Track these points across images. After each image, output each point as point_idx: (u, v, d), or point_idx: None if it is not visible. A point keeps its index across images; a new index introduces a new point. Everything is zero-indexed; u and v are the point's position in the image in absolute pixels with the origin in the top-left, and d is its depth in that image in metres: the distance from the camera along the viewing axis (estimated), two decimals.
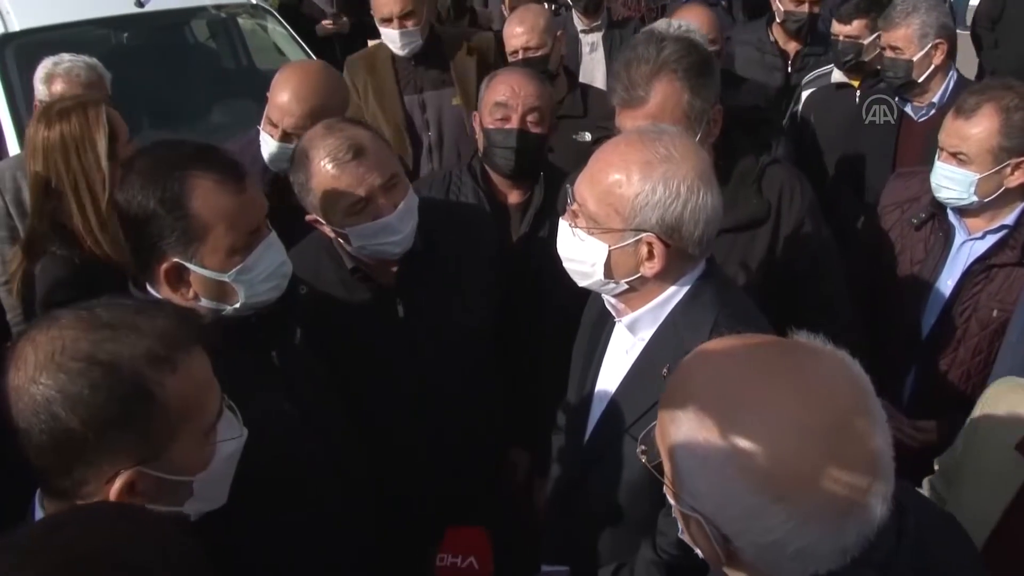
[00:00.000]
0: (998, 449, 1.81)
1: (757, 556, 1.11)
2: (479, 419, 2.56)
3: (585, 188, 1.83)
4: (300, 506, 2.00)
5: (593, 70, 4.83)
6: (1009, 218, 2.63)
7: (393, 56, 4.05)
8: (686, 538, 1.25)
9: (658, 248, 1.76)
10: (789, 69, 4.50)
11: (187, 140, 1.98)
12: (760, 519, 1.06)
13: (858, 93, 3.87)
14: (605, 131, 3.07)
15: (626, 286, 1.85)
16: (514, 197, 2.95)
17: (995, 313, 2.62)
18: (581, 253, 1.85)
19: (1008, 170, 2.54)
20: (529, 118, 2.84)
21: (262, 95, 3.08)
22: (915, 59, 3.41)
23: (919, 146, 3.44)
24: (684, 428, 1.12)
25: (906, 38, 3.41)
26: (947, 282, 2.73)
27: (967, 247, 2.71)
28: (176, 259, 1.81)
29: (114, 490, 1.31)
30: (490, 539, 2.28)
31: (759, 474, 1.05)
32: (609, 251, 1.80)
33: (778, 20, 4.50)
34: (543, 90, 2.93)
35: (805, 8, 4.36)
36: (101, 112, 2.78)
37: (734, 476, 1.07)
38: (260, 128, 3.05)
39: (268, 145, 3.00)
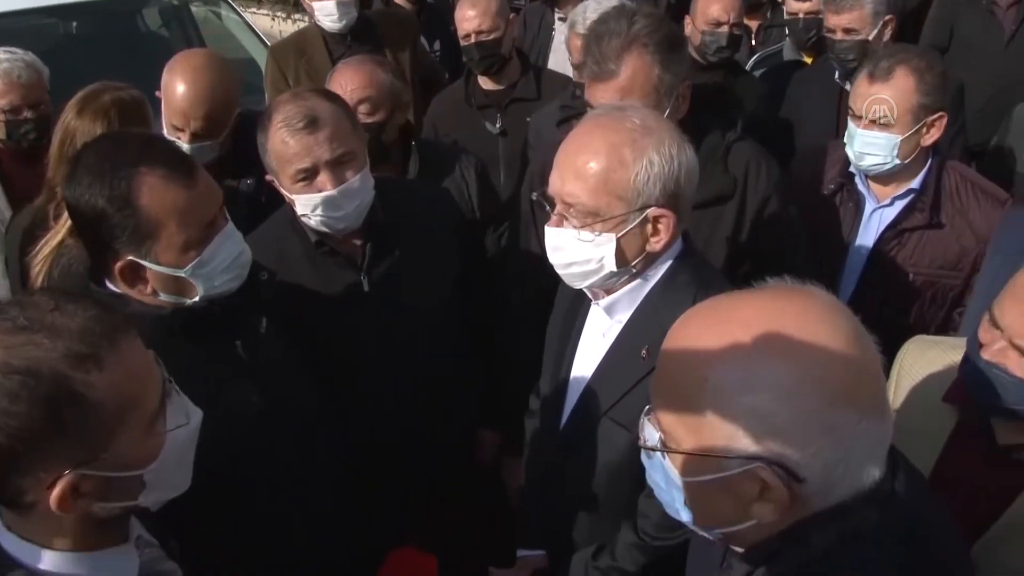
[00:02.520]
0: (924, 404, 1.82)
1: (822, 480, 1.07)
2: (447, 396, 2.51)
3: (573, 185, 1.70)
4: (270, 497, 1.94)
5: (566, 60, 4.71)
6: (915, 182, 2.62)
7: (324, 38, 3.98)
8: (706, 520, 1.18)
9: (665, 219, 1.70)
10: (753, 43, 4.45)
11: (133, 132, 1.88)
12: (833, 430, 1.04)
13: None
14: (571, 111, 3.01)
15: (634, 270, 1.77)
16: None
17: (911, 276, 2.62)
18: (585, 253, 1.73)
19: (924, 129, 2.53)
20: (360, 110, 2.74)
21: None
22: (870, 38, 3.35)
23: None
24: (731, 376, 1.06)
25: (861, 19, 3.33)
26: (861, 251, 2.71)
27: (878, 214, 2.69)
28: (131, 257, 1.73)
29: (54, 497, 1.21)
30: (437, 567, 2.24)
31: (822, 384, 1.04)
32: (617, 240, 1.70)
33: None
34: (372, 78, 2.81)
35: None
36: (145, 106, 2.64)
37: (809, 392, 1.04)
38: (164, 128, 2.87)
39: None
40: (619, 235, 1.70)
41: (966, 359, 1.70)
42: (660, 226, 1.70)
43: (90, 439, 1.23)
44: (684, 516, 1.21)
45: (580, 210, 1.71)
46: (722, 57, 3.62)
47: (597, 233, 1.70)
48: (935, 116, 2.53)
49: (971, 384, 1.68)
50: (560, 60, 4.28)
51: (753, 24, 4.49)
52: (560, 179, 1.73)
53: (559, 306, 2.12)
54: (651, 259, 1.77)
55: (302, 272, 2.33)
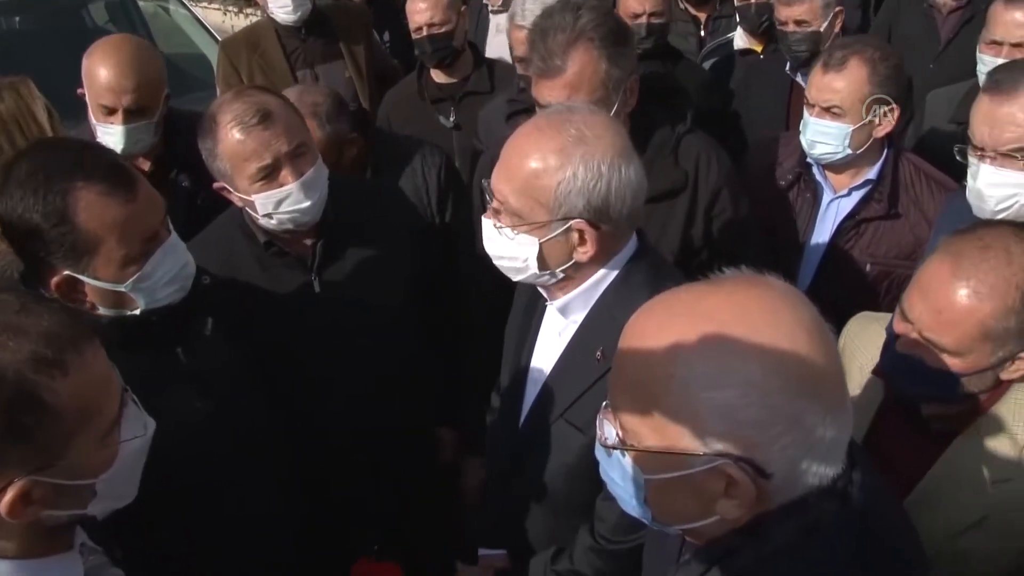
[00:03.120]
0: (861, 377, 1.86)
1: (787, 476, 1.06)
2: (402, 396, 2.47)
3: (503, 184, 1.69)
4: (217, 504, 1.90)
5: (500, 51, 4.68)
6: (872, 172, 2.62)
7: (277, 31, 3.91)
8: (670, 518, 1.16)
9: (589, 233, 1.65)
10: (702, 33, 4.43)
11: (68, 140, 1.80)
12: (804, 422, 1.03)
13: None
14: (518, 104, 2.98)
15: (562, 275, 1.74)
16: None
17: (868, 267, 2.62)
18: (511, 251, 1.72)
19: (877, 120, 2.54)
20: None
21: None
22: (822, 29, 3.36)
23: None
24: (695, 372, 1.04)
25: (812, 11, 3.34)
26: (819, 241, 2.72)
27: (835, 205, 2.70)
28: (67, 272, 1.67)
29: (6, 503, 1.19)
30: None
31: (787, 378, 1.02)
32: (540, 245, 1.68)
33: None
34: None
35: None
36: (31, 86, 2.50)
37: (770, 390, 1.02)
38: (93, 123, 2.77)
39: (113, 134, 2.72)
40: (541, 240, 1.67)
41: (885, 347, 1.74)
42: (586, 237, 1.67)
43: (47, 446, 1.21)
44: (641, 513, 1.19)
45: (508, 209, 1.70)
46: (644, 48, 3.55)
47: (517, 233, 1.69)
48: (887, 107, 2.53)
49: (889, 373, 1.73)
50: (495, 51, 4.24)
51: (702, 15, 4.48)
52: (496, 175, 1.72)
53: (518, 303, 2.10)
54: (581, 267, 1.73)
55: (251, 274, 2.28)
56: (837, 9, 3.37)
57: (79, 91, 2.73)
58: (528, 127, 1.71)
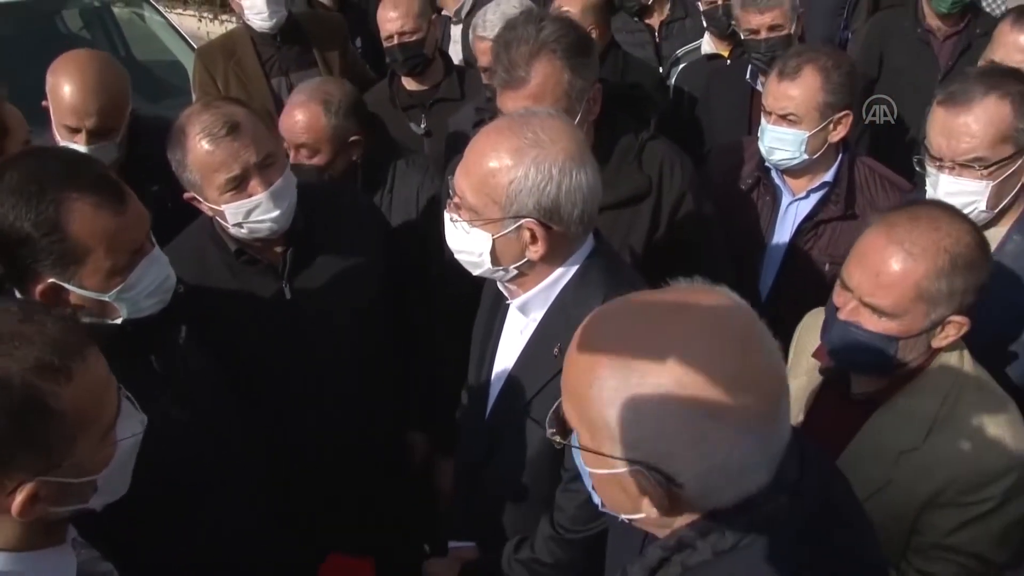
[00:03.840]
0: (807, 364, 1.98)
1: (702, 487, 1.11)
2: (372, 401, 2.49)
3: (462, 180, 1.77)
4: (194, 509, 1.91)
5: (457, 61, 4.66)
6: (828, 175, 2.68)
7: (253, 39, 3.91)
8: (610, 507, 1.23)
9: (539, 232, 1.71)
10: (657, 39, 4.44)
11: (59, 150, 1.81)
12: (703, 442, 1.07)
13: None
14: (485, 114, 3.01)
15: (516, 271, 1.80)
16: None
17: (827, 267, 2.65)
18: (467, 244, 1.79)
19: (831, 126, 2.60)
20: (300, 152, 2.79)
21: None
22: (792, 32, 3.37)
23: None
24: (610, 383, 1.10)
25: (784, 15, 3.34)
26: (779, 243, 2.77)
27: (794, 207, 2.75)
28: (53, 280, 1.68)
29: (16, 504, 1.24)
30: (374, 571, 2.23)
31: (695, 399, 1.06)
32: (493, 240, 1.74)
33: None
34: (311, 124, 2.78)
35: None
36: None
37: (675, 409, 1.07)
38: (56, 138, 2.73)
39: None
40: (494, 235, 1.74)
41: (826, 323, 1.86)
42: (537, 237, 1.72)
43: (54, 448, 1.26)
44: (596, 499, 1.27)
45: (465, 204, 1.77)
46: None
47: (473, 227, 1.76)
48: (841, 113, 2.60)
49: (831, 344, 1.84)
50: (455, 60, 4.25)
51: (654, 23, 4.49)
52: (457, 172, 1.79)
53: (484, 303, 2.14)
54: (534, 265, 1.79)
55: (222, 282, 2.29)
56: (800, 11, 3.41)
57: (43, 104, 2.70)
58: (490, 128, 1.79)
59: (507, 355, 1.98)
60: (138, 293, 1.78)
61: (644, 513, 1.15)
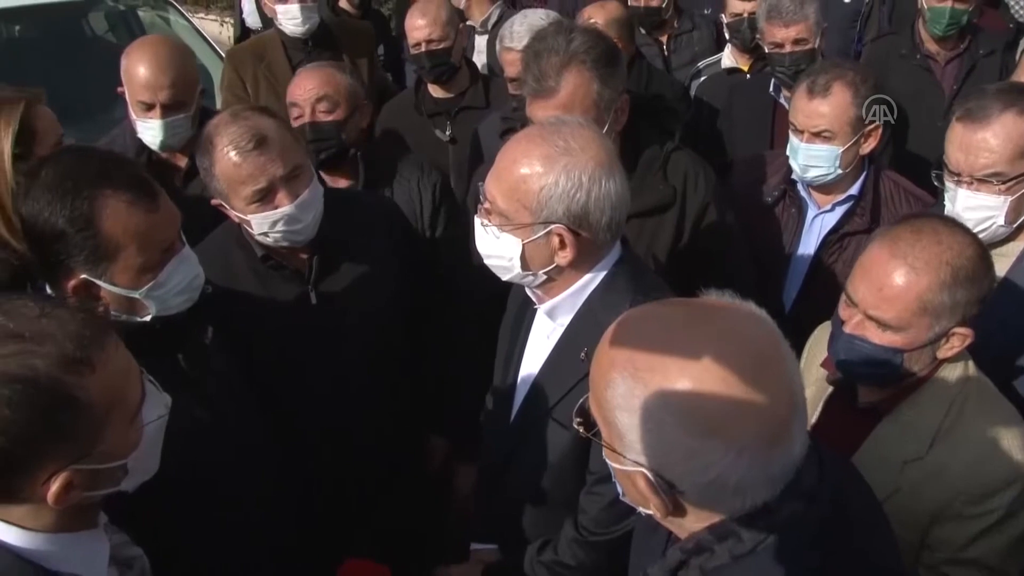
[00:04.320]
0: (817, 374, 2.02)
1: (700, 496, 1.15)
2: (393, 406, 2.50)
3: (493, 186, 1.79)
4: (213, 509, 1.92)
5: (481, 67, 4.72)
6: (854, 188, 2.70)
7: (284, 43, 3.99)
8: (628, 499, 1.27)
9: (568, 238, 1.73)
10: (666, 53, 4.45)
11: (95, 149, 1.84)
12: (700, 457, 1.09)
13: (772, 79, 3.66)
14: (512, 123, 3.03)
15: (544, 276, 1.82)
16: (341, 184, 2.97)
17: None
18: (497, 249, 1.81)
19: (862, 139, 2.62)
20: (319, 108, 2.86)
21: None
22: (817, 46, 3.38)
23: None
24: (620, 389, 1.15)
25: (808, 29, 3.35)
26: (804, 255, 2.78)
27: (819, 220, 2.76)
28: (85, 276, 1.70)
29: (52, 494, 1.28)
30: None
31: (693, 415, 1.09)
32: (522, 245, 1.77)
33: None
34: (329, 78, 2.95)
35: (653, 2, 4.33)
36: (12, 112, 2.50)
37: (672, 422, 1.10)
38: (133, 118, 2.86)
39: (152, 128, 2.81)
40: (524, 241, 1.76)
41: (832, 336, 1.88)
42: (566, 243, 1.75)
43: (84, 438, 1.29)
44: (618, 488, 1.31)
45: (496, 209, 1.79)
46: None
47: (503, 232, 1.78)
48: (871, 127, 2.62)
49: (837, 357, 1.86)
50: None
51: (663, 37, 4.50)
52: (488, 177, 1.82)
53: (511, 308, 2.16)
54: (562, 271, 1.81)
55: (248, 285, 2.30)
56: (824, 27, 3.41)
57: (119, 89, 2.85)
58: (521, 135, 1.82)
59: (534, 359, 1.99)
60: (167, 291, 1.80)
61: (653, 510, 1.20)
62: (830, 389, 1.97)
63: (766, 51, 3.47)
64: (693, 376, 1.09)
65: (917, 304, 1.69)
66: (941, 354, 1.77)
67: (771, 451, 1.11)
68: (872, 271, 1.74)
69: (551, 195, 1.70)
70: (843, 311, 1.83)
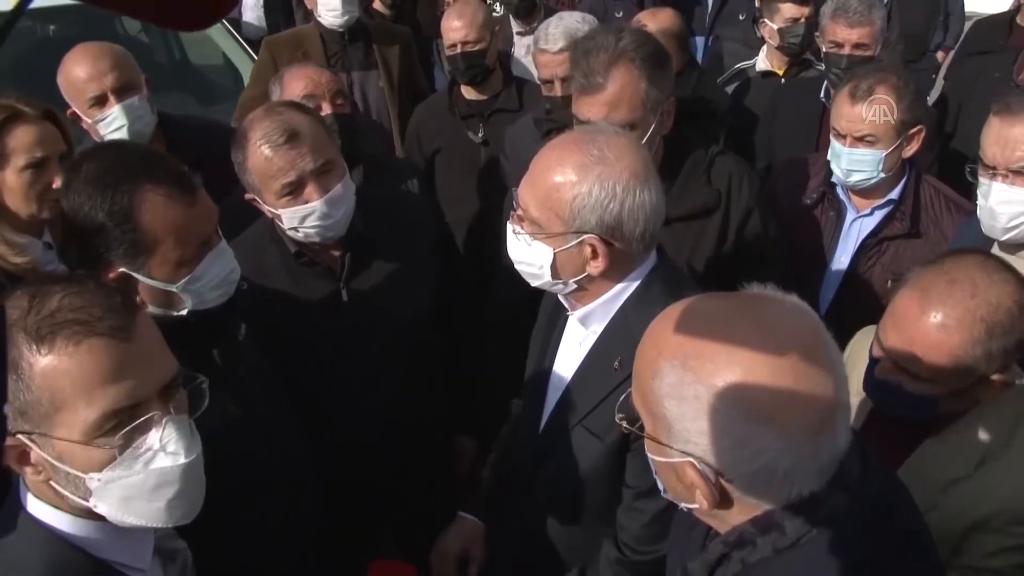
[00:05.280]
0: (856, 382, 1.88)
1: (748, 484, 1.15)
2: (423, 405, 2.49)
3: (527, 193, 1.77)
4: (245, 506, 1.90)
5: (526, 73, 4.73)
6: (894, 192, 2.68)
7: (322, 36, 4.09)
8: (671, 494, 1.28)
9: (600, 248, 1.70)
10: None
11: (134, 144, 1.86)
12: (751, 444, 1.10)
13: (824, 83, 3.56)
14: (544, 125, 3.03)
15: (575, 286, 1.79)
16: None
17: (889, 284, 2.65)
18: (528, 256, 1.79)
19: (905, 142, 2.61)
20: (337, 101, 2.87)
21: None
22: (875, 55, 3.32)
23: None
24: (669, 378, 1.15)
25: (871, 35, 3.30)
26: (842, 258, 2.76)
27: (858, 224, 2.75)
28: (123, 269, 1.72)
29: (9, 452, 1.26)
30: None
31: (744, 402, 1.10)
32: (554, 254, 1.74)
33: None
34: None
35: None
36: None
37: (723, 409, 1.11)
38: (90, 124, 2.84)
39: (113, 117, 2.79)
40: (556, 249, 1.73)
41: (867, 374, 1.84)
42: (598, 253, 1.72)
43: (25, 414, 1.25)
44: (660, 485, 1.31)
45: (528, 217, 1.77)
46: None
47: (535, 240, 1.76)
48: (914, 130, 2.60)
49: (871, 395, 1.85)
50: (520, 72, 4.29)
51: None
52: (522, 184, 1.79)
53: (543, 312, 2.13)
54: (594, 280, 1.78)
55: (280, 282, 2.30)
56: (885, 36, 3.37)
57: (68, 112, 2.78)
58: (556, 143, 1.78)
59: (565, 366, 1.96)
60: (204, 285, 1.80)
61: (697, 503, 1.19)
62: (870, 407, 1.94)
63: (824, 50, 3.41)
64: (743, 364, 1.11)
65: (948, 361, 1.64)
66: (983, 396, 1.71)
67: (818, 438, 1.11)
68: (903, 323, 1.69)
69: (584, 204, 1.67)
70: (875, 351, 1.79)
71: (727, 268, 2.41)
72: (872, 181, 2.63)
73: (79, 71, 2.76)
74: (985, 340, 1.62)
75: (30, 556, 1.30)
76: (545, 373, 2.02)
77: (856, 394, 1.90)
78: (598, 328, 1.84)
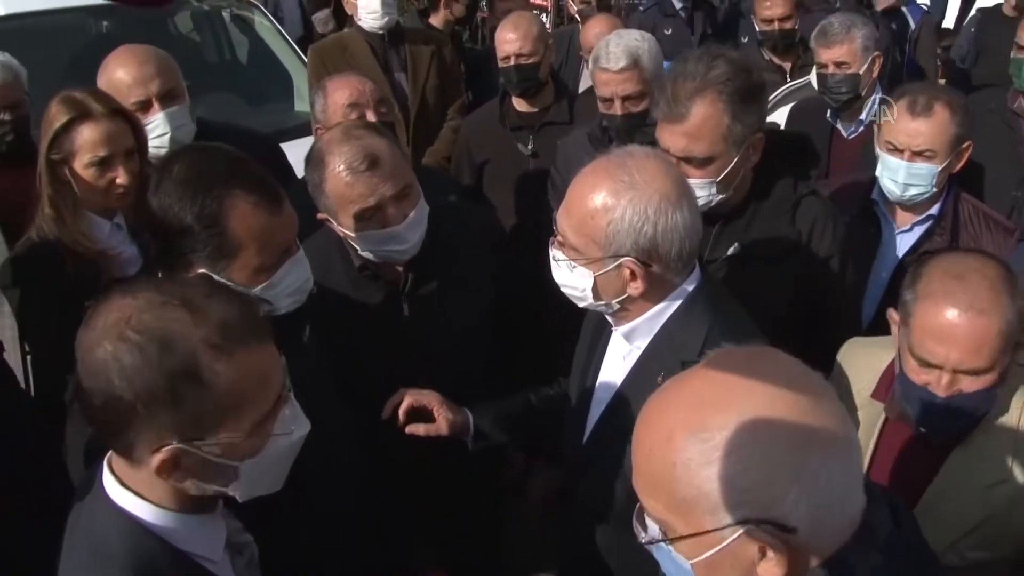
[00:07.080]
0: (858, 399, 2.01)
1: (812, 521, 1.06)
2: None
3: (564, 220, 1.80)
4: (299, 508, 1.86)
5: None
6: (934, 208, 2.69)
7: (366, 39, 4.21)
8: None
9: (639, 270, 1.73)
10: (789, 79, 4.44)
11: (222, 148, 1.88)
12: (805, 471, 1.05)
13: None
14: (597, 143, 3.04)
15: (618, 306, 1.82)
16: None
17: None
18: (571, 280, 1.82)
19: (955, 158, 2.63)
20: (381, 109, 2.90)
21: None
22: (861, 72, 3.41)
23: (851, 161, 3.41)
24: (691, 451, 1.08)
25: (851, 52, 3.40)
26: (882, 274, 2.76)
27: (897, 239, 2.76)
28: (204, 270, 1.75)
29: (156, 461, 1.29)
30: None
31: (785, 428, 1.07)
32: (594, 278, 1.77)
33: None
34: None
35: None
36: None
37: (766, 443, 1.06)
38: None
39: (156, 124, 2.81)
40: (596, 273, 1.76)
41: (910, 401, 1.82)
42: (636, 275, 1.73)
43: (199, 419, 1.30)
44: None
45: (567, 243, 1.80)
46: None
47: (576, 265, 1.79)
48: (964, 145, 2.64)
49: (928, 423, 1.82)
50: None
51: (787, 64, 4.45)
52: (560, 212, 1.82)
53: (587, 326, 2.14)
54: (635, 300, 1.80)
55: (343, 291, 2.32)
56: (875, 54, 3.43)
57: None
58: (588, 170, 1.79)
59: (609, 380, 1.97)
60: (279, 292, 1.83)
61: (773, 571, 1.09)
62: (883, 417, 1.95)
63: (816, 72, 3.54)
64: (761, 403, 1.07)
65: (1000, 340, 1.70)
66: (1009, 373, 1.78)
67: (853, 450, 1.12)
68: (946, 332, 1.72)
69: (618, 229, 1.70)
70: (919, 377, 1.77)
71: (799, 317, 2.36)
72: (926, 195, 2.65)
73: (123, 74, 2.77)
74: (1011, 302, 1.71)
75: (115, 542, 1.35)
76: (588, 387, 2.03)
77: (860, 407, 2.01)
78: (642, 344, 1.86)
